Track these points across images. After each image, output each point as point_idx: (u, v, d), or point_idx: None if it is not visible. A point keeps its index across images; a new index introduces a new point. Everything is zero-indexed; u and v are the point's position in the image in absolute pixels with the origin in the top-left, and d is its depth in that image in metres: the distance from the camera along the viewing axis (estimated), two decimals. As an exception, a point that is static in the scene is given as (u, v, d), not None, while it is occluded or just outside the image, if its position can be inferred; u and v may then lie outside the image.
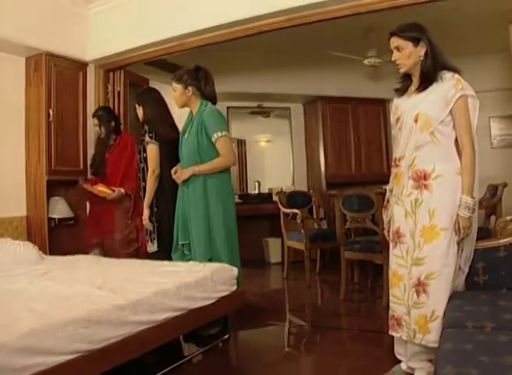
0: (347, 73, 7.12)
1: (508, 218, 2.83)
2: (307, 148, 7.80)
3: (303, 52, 6.27)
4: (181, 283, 2.70)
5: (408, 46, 2.56)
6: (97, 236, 4.35)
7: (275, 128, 8.02)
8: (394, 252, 2.65)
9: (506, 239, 2.63)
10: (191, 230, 3.51)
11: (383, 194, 4.41)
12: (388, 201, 2.78)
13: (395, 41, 2.61)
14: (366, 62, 6.07)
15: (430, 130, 2.48)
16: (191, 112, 3.68)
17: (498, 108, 6.73)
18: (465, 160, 2.45)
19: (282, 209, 5.73)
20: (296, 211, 5.44)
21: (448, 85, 2.45)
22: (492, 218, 4.93)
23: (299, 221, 5.32)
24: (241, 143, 7.77)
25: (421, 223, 2.49)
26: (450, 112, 2.46)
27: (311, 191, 6.46)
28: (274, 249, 7.06)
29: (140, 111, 3.97)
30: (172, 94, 3.65)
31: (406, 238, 2.58)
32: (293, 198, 6.04)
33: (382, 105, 7.78)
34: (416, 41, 2.54)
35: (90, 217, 4.57)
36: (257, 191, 7.66)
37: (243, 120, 7.72)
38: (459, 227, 2.43)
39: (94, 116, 4.53)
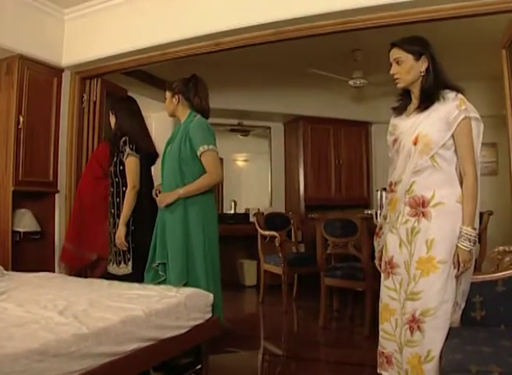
0: (331, 94, 7.03)
1: (501, 248, 2.66)
2: (286, 168, 7.62)
3: (286, 70, 6.16)
4: (152, 310, 2.44)
5: (409, 59, 2.40)
6: None
7: (254, 147, 7.86)
8: (386, 284, 2.45)
9: (505, 272, 2.47)
10: (169, 250, 3.27)
11: (367, 219, 4.29)
12: (381, 228, 2.59)
13: (395, 53, 2.44)
14: (351, 82, 5.96)
15: (430, 154, 2.30)
16: (179, 123, 3.49)
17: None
18: (467, 188, 2.28)
19: (260, 231, 5.52)
20: (274, 233, 5.23)
21: (451, 105, 2.29)
22: (477, 247, 4.77)
23: (277, 244, 5.11)
24: (215, 157, 7.55)
25: (418, 254, 2.29)
26: (452, 135, 2.29)
27: (290, 213, 6.27)
28: (249, 272, 6.83)
29: (113, 119, 3.77)
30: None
31: (399, 269, 2.38)
32: (272, 220, 5.84)
33: (365, 127, 7.69)
34: (418, 55, 2.38)
35: None
36: (233, 211, 7.44)
37: (221, 138, 7.40)
38: (458, 261, 2.24)
39: None
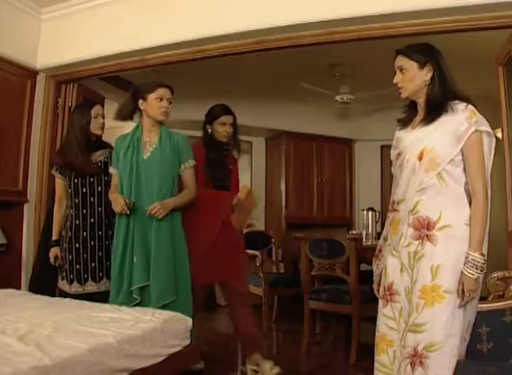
0: (315, 110, 6.89)
1: (500, 273, 2.47)
2: (267, 185, 7.41)
3: (270, 84, 5.97)
4: (125, 336, 2.18)
5: (412, 67, 2.22)
6: None
7: (234, 162, 7.62)
8: (384, 312, 2.24)
9: (512, 301, 2.28)
10: (154, 267, 2.99)
11: (356, 240, 4.09)
12: (380, 251, 2.38)
13: (398, 61, 2.27)
14: (338, 98, 5.81)
15: (437, 171, 2.11)
16: (139, 128, 3.19)
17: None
18: (476, 209, 2.08)
19: (241, 250, 5.26)
20: (255, 252, 5.00)
21: (460, 118, 2.10)
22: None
23: (258, 264, 4.88)
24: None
25: (421, 281, 2.08)
26: (461, 150, 2.10)
27: (271, 231, 6.04)
28: (226, 291, 6.51)
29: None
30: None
31: (400, 297, 2.18)
32: (252, 238, 5.61)
33: (348, 145, 7.55)
34: (422, 63, 2.20)
35: None
36: (211, 228, 7.17)
37: (200, 152, 7.28)
38: (463, 289, 2.03)
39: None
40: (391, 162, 2.39)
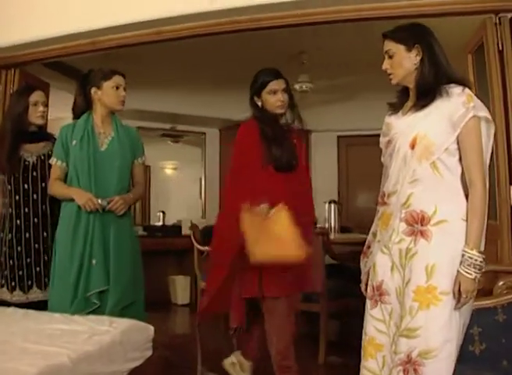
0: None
1: (491, 267, 2.35)
2: (221, 178, 7.13)
3: (226, 71, 5.67)
4: (80, 354, 1.89)
5: (400, 51, 2.02)
6: None
7: (185, 155, 7.35)
8: (373, 314, 2.03)
9: (505, 298, 2.13)
10: (113, 268, 2.73)
11: (323, 234, 3.90)
12: (369, 247, 2.17)
13: (385, 45, 2.08)
14: (297, 86, 5.56)
15: (431, 160, 1.91)
16: (90, 117, 2.90)
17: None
18: (474, 202, 1.89)
19: (198, 246, 5.00)
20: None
21: (456, 102, 1.90)
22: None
23: (215, 260, 4.60)
24: (145, 169, 6.99)
25: (415, 282, 1.88)
26: (457, 137, 1.91)
27: (228, 226, 5.77)
28: (181, 289, 6.26)
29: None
30: None
31: (390, 298, 1.98)
32: (210, 234, 5.30)
33: (305, 136, 7.34)
34: (410, 45, 2.00)
35: None
36: (161, 223, 6.87)
37: (149, 144, 6.92)
38: (459, 290, 1.84)
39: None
40: (381, 151, 2.18)
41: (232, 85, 6.12)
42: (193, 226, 5.26)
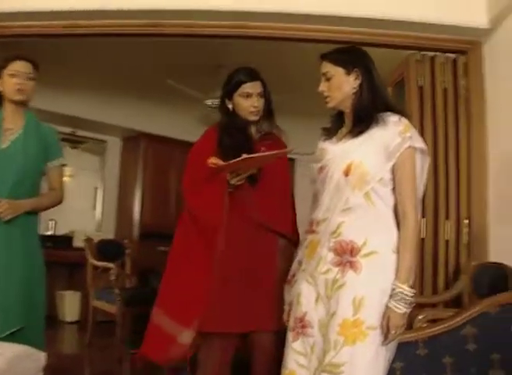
0: (180, 113, 6.50)
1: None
2: (120, 190, 6.82)
3: (135, 78, 5.43)
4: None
5: (338, 74, 1.96)
6: None
7: (82, 162, 6.89)
8: (294, 347, 1.92)
9: (425, 331, 2.10)
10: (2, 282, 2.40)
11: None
12: (294, 276, 2.06)
13: (323, 67, 2.00)
14: (209, 102, 5.47)
15: (365, 190, 1.85)
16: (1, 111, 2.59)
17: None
18: (406, 235, 1.83)
19: (93, 262, 4.66)
20: (110, 265, 4.43)
21: (392, 131, 1.85)
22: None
23: (113, 277, 4.33)
24: (61, 173, 6.51)
25: (341, 315, 1.79)
26: (392, 168, 1.87)
27: (126, 240, 5.49)
28: (70, 305, 5.82)
29: None
30: None
31: (313, 330, 1.87)
32: (105, 248, 5.01)
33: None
34: (349, 68, 1.95)
35: None
36: (51, 232, 6.41)
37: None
38: (388, 325, 1.78)
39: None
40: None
41: (141, 94, 5.92)
42: (88, 240, 4.92)
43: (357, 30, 3.06)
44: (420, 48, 3.21)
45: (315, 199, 2.05)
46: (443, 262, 3.08)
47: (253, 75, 2.39)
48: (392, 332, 1.77)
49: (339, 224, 1.87)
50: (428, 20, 2.99)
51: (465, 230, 3.08)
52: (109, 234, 6.42)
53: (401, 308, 1.77)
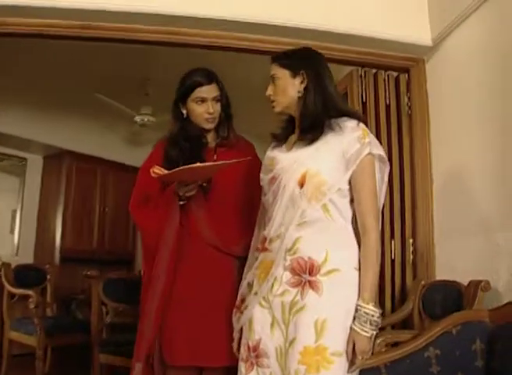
0: (107, 130, 6.17)
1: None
2: (40, 211, 6.33)
3: (61, 89, 5.01)
4: None
5: (284, 76, 1.83)
6: None
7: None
8: None
9: (386, 356, 1.96)
10: None
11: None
12: (243, 301, 1.86)
13: (272, 69, 1.88)
14: (138, 119, 5.24)
15: (322, 201, 1.69)
16: None
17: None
18: (368, 251, 1.69)
19: (10, 289, 4.23)
20: (29, 292, 4.04)
21: (350, 137, 1.71)
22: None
23: (32, 306, 3.93)
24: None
25: (302, 341, 1.61)
26: (350, 176, 1.72)
27: (47, 265, 5.06)
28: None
29: None
30: None
31: (269, 360, 1.69)
32: (24, 274, 4.58)
33: (136, 174, 6.90)
34: (295, 71, 1.81)
35: None
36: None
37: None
38: (353, 350, 1.62)
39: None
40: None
41: (65, 108, 5.51)
42: (5, 265, 4.49)
43: (297, 42, 2.92)
44: (362, 64, 3.16)
45: (264, 213, 1.88)
46: (389, 283, 2.98)
47: (209, 77, 2.18)
48: (360, 358, 1.61)
49: (295, 240, 1.70)
50: (372, 35, 2.93)
51: (411, 248, 3.01)
52: (28, 259, 5.93)
53: (367, 331, 1.62)
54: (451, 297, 2.44)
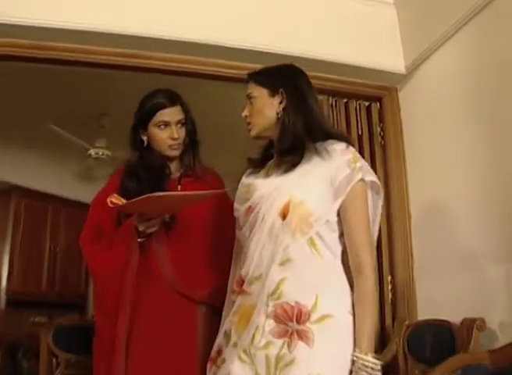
0: (59, 164, 5.84)
1: None
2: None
3: (10, 120, 4.68)
4: None
5: (262, 96, 1.64)
6: None
7: None
8: None
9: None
10: None
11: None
12: (219, 353, 1.60)
13: (248, 88, 1.69)
14: (92, 152, 4.96)
15: (308, 235, 1.48)
16: None
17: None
18: (363, 290, 1.47)
19: None
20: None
21: (339, 161, 1.52)
22: None
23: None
24: None
25: None
26: (340, 206, 1.52)
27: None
28: None
29: None
30: None
31: None
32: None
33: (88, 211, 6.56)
34: (274, 89, 1.63)
35: None
36: None
37: None
38: None
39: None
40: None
41: (14, 140, 5.16)
42: None
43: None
44: (333, 93, 3.02)
45: (240, 249, 1.66)
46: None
47: (171, 98, 1.94)
48: None
49: (278, 282, 1.47)
50: (343, 61, 2.81)
51: (389, 286, 2.82)
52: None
53: None
54: (442, 338, 2.24)
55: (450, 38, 2.59)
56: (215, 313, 1.80)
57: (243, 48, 2.63)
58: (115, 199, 1.71)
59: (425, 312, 2.64)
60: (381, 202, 1.62)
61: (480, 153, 2.38)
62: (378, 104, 3.07)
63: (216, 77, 2.82)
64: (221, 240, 1.91)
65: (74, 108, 4.39)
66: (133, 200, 1.66)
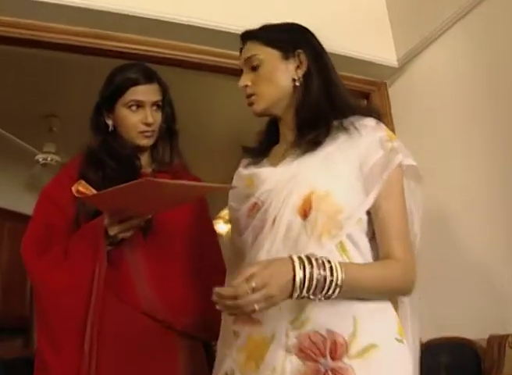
0: (1, 172, 5.35)
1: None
2: None
3: None
4: None
5: (272, 58, 1.28)
6: None
7: None
8: None
9: None
10: None
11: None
12: None
13: (246, 50, 1.31)
14: (40, 157, 4.55)
15: (338, 238, 1.13)
16: None
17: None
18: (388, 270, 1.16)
19: None
20: None
21: (370, 140, 1.19)
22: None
23: None
24: None
25: None
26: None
27: None
28: None
29: None
30: None
31: None
32: None
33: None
34: (288, 50, 1.28)
35: None
36: None
37: None
38: None
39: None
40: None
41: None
42: None
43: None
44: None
45: (237, 261, 1.30)
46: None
47: (147, 74, 1.56)
48: None
49: (303, 304, 1.12)
50: (335, 51, 2.51)
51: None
52: None
53: None
54: (464, 358, 1.92)
55: (445, 33, 2.43)
56: (200, 347, 1.45)
57: (229, 31, 2.27)
58: (83, 188, 1.29)
59: (430, 330, 2.35)
60: (421, 191, 1.28)
61: (477, 151, 2.24)
62: (366, 101, 2.82)
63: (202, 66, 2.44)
64: (208, 250, 1.56)
65: (18, 108, 3.95)
66: (114, 187, 1.23)
